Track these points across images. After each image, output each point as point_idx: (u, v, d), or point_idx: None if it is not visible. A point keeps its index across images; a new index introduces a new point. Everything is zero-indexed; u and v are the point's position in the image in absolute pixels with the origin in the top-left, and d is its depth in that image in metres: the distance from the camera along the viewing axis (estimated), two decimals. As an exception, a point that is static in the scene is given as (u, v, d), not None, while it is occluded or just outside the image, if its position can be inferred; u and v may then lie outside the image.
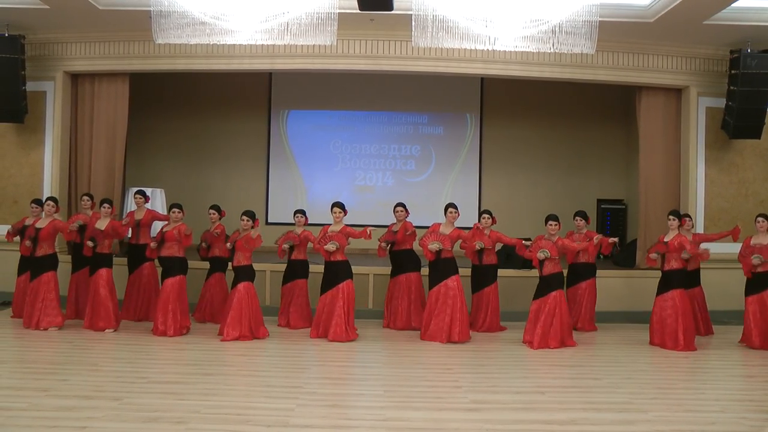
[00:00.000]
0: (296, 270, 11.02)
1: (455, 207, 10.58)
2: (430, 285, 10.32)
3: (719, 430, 6.23)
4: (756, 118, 12.28)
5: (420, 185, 15.95)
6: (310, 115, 16.09)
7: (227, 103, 15.83)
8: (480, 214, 11.34)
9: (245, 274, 10.10)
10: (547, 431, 6.18)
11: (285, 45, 10.15)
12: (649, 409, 6.93)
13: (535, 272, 10.69)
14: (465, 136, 16.22)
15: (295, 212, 11.14)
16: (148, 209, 11.56)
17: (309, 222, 11.14)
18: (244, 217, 10.35)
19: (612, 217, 15.76)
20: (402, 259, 11.13)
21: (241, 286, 10.01)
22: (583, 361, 9.29)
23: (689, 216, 11.18)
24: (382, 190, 15.75)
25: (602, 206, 15.82)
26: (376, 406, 6.81)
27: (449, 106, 16.13)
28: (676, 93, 13.25)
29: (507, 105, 15.97)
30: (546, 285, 10.04)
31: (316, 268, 10.98)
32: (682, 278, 10.24)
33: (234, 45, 10.60)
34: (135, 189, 12.09)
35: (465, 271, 10.98)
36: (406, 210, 11.15)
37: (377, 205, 15.30)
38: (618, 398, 7.34)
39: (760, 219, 10.30)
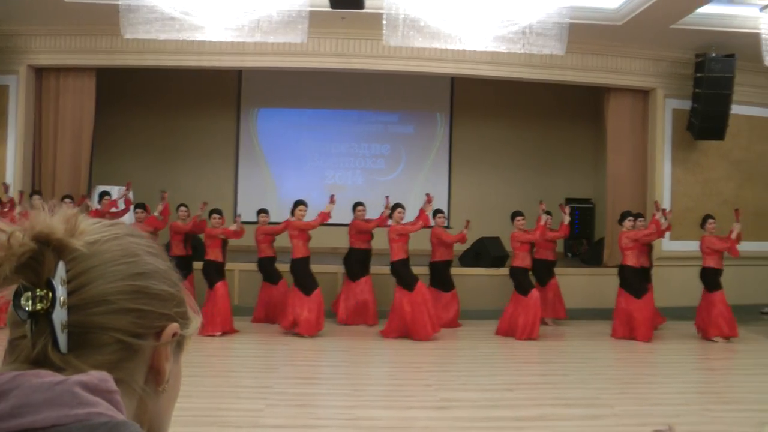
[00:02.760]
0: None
1: (402, 206, 10.88)
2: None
3: (683, 422, 6.31)
4: (719, 120, 12.44)
5: (390, 184, 15.88)
6: (280, 114, 16.04)
7: (197, 101, 15.70)
8: (435, 214, 11.36)
9: (221, 271, 10.35)
10: (516, 428, 6.24)
11: (255, 42, 10.11)
12: (615, 403, 7.03)
13: (503, 271, 10.88)
14: (435, 135, 16.29)
15: (259, 211, 11.37)
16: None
17: (278, 222, 11.16)
18: (215, 215, 10.39)
19: (580, 215, 15.88)
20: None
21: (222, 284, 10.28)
22: (552, 358, 9.40)
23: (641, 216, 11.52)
24: (352, 189, 15.68)
25: (570, 205, 15.79)
26: (345, 405, 6.83)
27: (419, 105, 16.16)
28: (644, 94, 13.37)
29: (477, 105, 16.00)
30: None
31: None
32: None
33: (204, 41, 10.52)
34: (101, 189, 11.95)
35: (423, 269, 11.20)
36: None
37: (347, 204, 15.20)
38: (586, 393, 7.43)
39: (710, 220, 10.86)
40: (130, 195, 11.88)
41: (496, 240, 12.73)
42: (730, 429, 6.27)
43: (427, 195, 11.05)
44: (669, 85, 13.06)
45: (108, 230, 1.01)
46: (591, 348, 10.00)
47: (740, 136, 13.39)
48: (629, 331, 10.49)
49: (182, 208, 11.27)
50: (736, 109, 12.62)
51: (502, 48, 9.50)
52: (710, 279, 10.74)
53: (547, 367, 8.91)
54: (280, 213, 12.99)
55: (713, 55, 12.18)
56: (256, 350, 9.48)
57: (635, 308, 10.54)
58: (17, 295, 0.92)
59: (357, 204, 11.53)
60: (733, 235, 10.79)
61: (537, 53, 9.59)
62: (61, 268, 0.93)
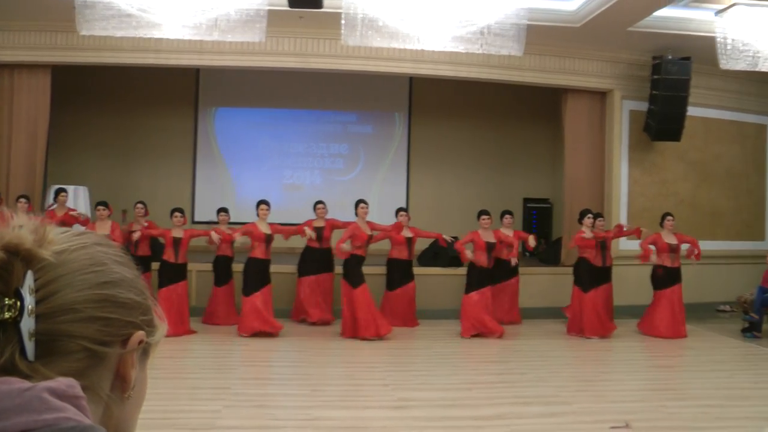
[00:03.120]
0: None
1: (365, 202, 10.97)
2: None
3: (640, 419, 6.39)
4: (676, 121, 12.59)
5: (348, 184, 15.94)
6: (238, 113, 15.94)
7: (154, 99, 15.51)
8: (397, 212, 11.45)
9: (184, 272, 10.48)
10: (474, 427, 6.26)
11: (213, 41, 10.05)
12: (573, 401, 7.09)
13: (461, 270, 10.93)
14: (393, 135, 16.31)
15: (219, 210, 11.37)
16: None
17: (237, 222, 11.10)
18: (177, 213, 10.47)
19: (538, 215, 16.02)
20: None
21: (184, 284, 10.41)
22: (510, 357, 9.46)
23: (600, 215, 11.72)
24: (310, 189, 15.65)
25: (528, 205, 16.10)
26: (303, 406, 6.80)
27: (378, 105, 16.16)
28: (601, 96, 13.49)
29: (435, 105, 16.03)
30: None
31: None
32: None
33: (161, 39, 10.41)
34: (57, 187, 11.79)
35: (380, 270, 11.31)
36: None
37: (306, 204, 15.13)
38: (543, 391, 7.49)
39: (669, 218, 11.18)
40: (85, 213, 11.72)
41: (454, 240, 12.73)
42: (687, 425, 6.35)
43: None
44: (626, 87, 13.21)
45: (76, 240, 1.03)
46: (549, 347, 10.08)
47: (696, 138, 13.57)
48: (579, 327, 10.66)
49: (138, 205, 11.21)
50: (692, 111, 12.80)
51: (461, 48, 9.54)
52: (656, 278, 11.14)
53: (504, 366, 8.97)
54: (238, 213, 12.90)
55: (670, 57, 12.32)
56: (213, 351, 9.42)
57: (583, 303, 10.77)
58: None
59: (318, 203, 11.56)
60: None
61: (495, 54, 9.66)
62: (29, 277, 0.94)
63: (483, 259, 10.68)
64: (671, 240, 11.05)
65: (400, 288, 11.21)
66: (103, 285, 1.01)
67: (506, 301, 11.66)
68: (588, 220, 11.09)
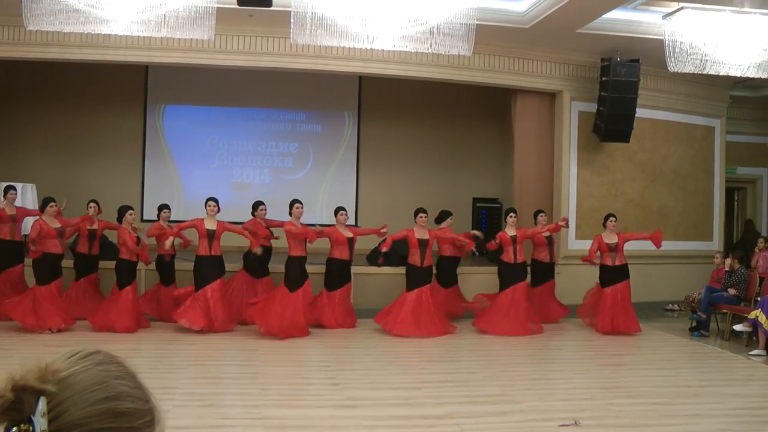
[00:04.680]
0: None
1: (300, 202, 10.98)
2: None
3: (589, 416, 6.51)
4: (625, 122, 12.80)
5: (298, 183, 15.95)
6: (187, 111, 15.86)
7: (102, 96, 15.32)
8: (336, 212, 11.45)
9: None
10: (424, 426, 6.32)
11: (162, 38, 9.99)
12: (522, 399, 7.18)
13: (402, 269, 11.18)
14: (343, 134, 16.36)
15: (160, 207, 11.40)
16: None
17: (185, 220, 11.06)
18: (131, 211, 10.57)
19: (487, 215, 16.13)
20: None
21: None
22: (459, 356, 9.56)
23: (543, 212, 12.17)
24: (259, 188, 15.62)
25: (478, 205, 16.24)
26: (253, 405, 6.80)
27: (327, 104, 16.19)
28: (550, 97, 13.68)
29: (385, 104, 16.10)
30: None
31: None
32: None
33: (109, 35, 10.33)
34: (5, 184, 11.62)
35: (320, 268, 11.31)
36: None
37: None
38: (492, 390, 7.58)
39: (611, 219, 11.46)
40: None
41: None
42: (635, 422, 6.46)
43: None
44: (575, 88, 13.43)
45: (80, 363, 1.24)
46: (498, 346, 10.18)
47: (645, 139, 13.86)
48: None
49: (92, 204, 11.12)
50: (641, 113, 13.07)
51: (410, 47, 9.62)
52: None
53: (454, 365, 9.05)
54: (186, 211, 12.88)
55: (618, 59, 12.52)
56: (161, 350, 9.38)
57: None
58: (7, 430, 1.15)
59: (258, 203, 11.66)
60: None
61: (445, 53, 9.74)
62: (41, 402, 1.16)
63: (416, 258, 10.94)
64: (611, 240, 11.29)
65: (339, 289, 11.16)
66: (104, 400, 1.20)
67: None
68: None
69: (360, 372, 8.48)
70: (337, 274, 11.09)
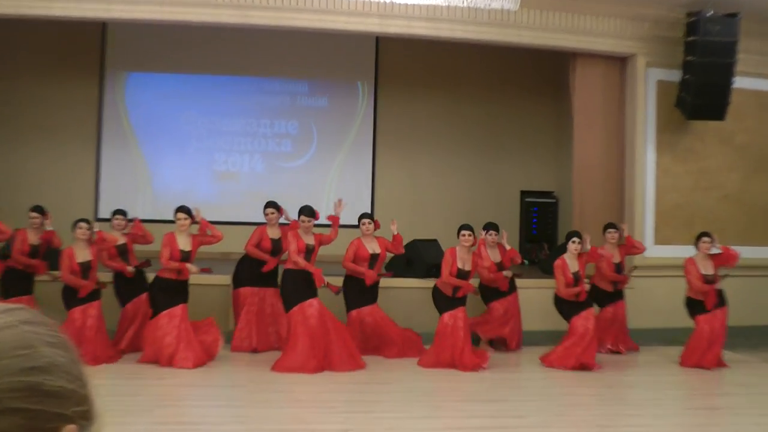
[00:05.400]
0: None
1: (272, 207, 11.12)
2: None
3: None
4: (718, 95, 12.52)
5: (298, 172, 16.01)
6: (156, 80, 15.84)
7: (47, 61, 15.25)
8: (359, 219, 11.21)
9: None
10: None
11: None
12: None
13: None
14: (356, 110, 16.35)
15: (114, 213, 11.05)
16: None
17: (154, 219, 10.88)
18: (83, 224, 10.26)
19: (539, 213, 16.12)
20: None
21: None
22: (505, 395, 9.34)
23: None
24: (249, 178, 15.66)
25: (527, 200, 16.22)
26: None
27: (336, 72, 16.20)
28: (620, 62, 13.49)
29: (409, 72, 16.05)
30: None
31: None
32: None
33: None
34: None
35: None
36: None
37: (243, 198, 15.24)
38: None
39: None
40: None
41: (432, 244, 12.68)
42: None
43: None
44: (653, 51, 13.19)
45: (1, 318, 1.13)
46: (554, 381, 10.00)
47: (746, 116, 13.57)
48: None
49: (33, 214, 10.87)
50: (740, 82, 12.76)
51: (440, 1, 9.42)
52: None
53: (498, 406, 8.85)
54: (155, 209, 12.76)
55: (710, 13, 12.24)
56: (120, 387, 9.17)
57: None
58: None
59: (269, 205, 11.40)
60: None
61: (484, 8, 9.55)
62: None
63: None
64: (708, 269, 10.87)
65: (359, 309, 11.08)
66: (29, 371, 1.09)
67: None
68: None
69: (376, 415, 8.30)
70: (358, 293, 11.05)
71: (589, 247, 10.94)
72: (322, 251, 10.70)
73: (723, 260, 10.88)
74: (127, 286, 10.83)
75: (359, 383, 9.67)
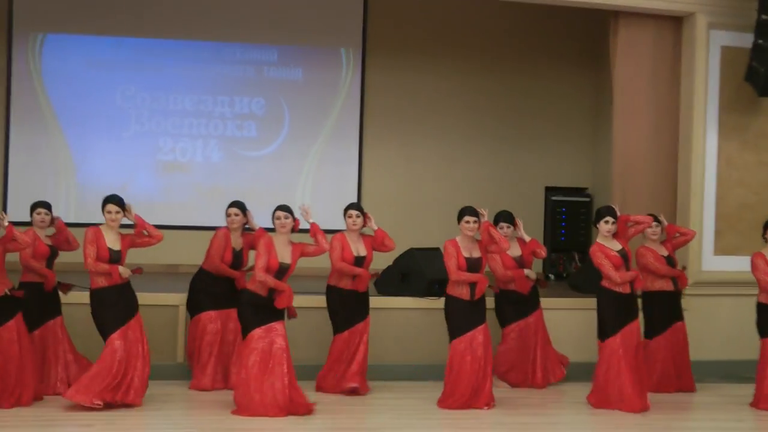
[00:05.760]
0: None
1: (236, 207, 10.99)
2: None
3: None
4: (802, 66, 12.45)
5: (265, 163, 15.97)
6: (81, 43, 15.62)
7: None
8: (345, 210, 11.09)
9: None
10: None
11: None
12: None
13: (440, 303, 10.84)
14: (338, 84, 16.28)
15: (34, 205, 10.68)
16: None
17: (78, 223, 10.57)
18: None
19: (569, 214, 16.09)
20: None
21: None
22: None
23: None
24: (203, 170, 15.67)
25: (553, 198, 16.19)
26: None
27: (314, 36, 16.11)
28: (674, 23, 13.27)
29: (405, 36, 16.00)
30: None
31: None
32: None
33: None
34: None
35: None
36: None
37: (195, 195, 15.33)
38: None
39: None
40: None
41: (434, 253, 12.33)
42: None
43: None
44: (716, 10, 12.97)
45: None
46: (591, 426, 9.93)
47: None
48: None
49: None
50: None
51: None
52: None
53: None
54: (80, 206, 12.45)
55: (794, -41, 12.16)
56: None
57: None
58: None
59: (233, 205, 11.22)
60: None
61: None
62: None
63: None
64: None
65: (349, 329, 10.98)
66: None
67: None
68: (604, 225, 10.89)
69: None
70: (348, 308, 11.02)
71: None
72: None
73: None
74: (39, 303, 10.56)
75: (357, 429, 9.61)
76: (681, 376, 11.53)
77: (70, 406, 9.57)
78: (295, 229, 9.98)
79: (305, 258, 10.15)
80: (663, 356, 11.49)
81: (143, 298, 10.65)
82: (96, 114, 15.53)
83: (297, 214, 10.01)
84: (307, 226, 10.24)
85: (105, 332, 9.94)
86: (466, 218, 10.41)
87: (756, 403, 10.61)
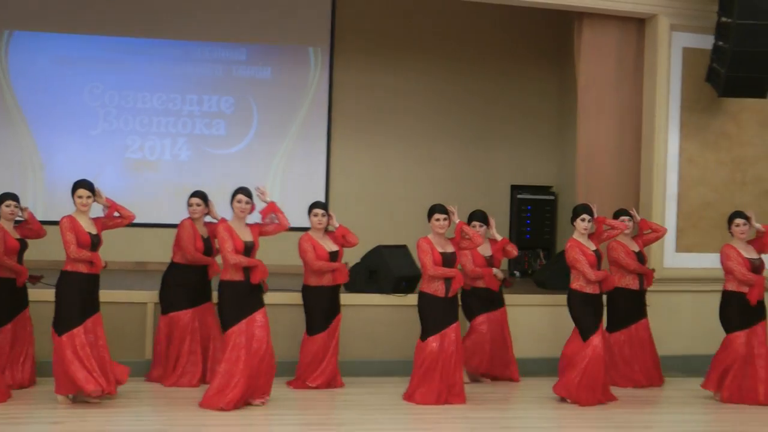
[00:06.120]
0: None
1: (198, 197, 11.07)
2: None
3: None
4: (760, 66, 12.38)
5: (233, 161, 16.02)
6: (49, 41, 15.67)
7: None
8: (310, 209, 11.13)
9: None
10: None
11: None
12: None
13: (411, 299, 11.00)
14: (307, 82, 16.36)
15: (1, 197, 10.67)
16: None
17: (45, 221, 10.63)
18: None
19: (534, 211, 16.17)
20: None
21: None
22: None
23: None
24: (171, 168, 15.73)
25: (519, 196, 16.27)
26: None
27: (282, 34, 16.22)
28: (637, 24, 13.38)
29: (374, 36, 16.11)
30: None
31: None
32: None
33: None
34: None
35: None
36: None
37: (163, 191, 15.35)
38: None
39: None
40: None
41: (401, 250, 12.55)
42: None
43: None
44: (678, 11, 13.07)
45: None
46: (556, 421, 9.96)
47: (793, 94, 13.55)
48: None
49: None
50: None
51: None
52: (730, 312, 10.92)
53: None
54: (48, 204, 12.48)
55: (752, -35, 12.24)
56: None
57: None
58: None
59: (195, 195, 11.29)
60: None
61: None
62: None
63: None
64: (751, 254, 10.86)
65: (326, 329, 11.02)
66: None
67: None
68: (580, 223, 10.94)
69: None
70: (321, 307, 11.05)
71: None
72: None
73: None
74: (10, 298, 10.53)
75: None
76: (645, 372, 11.59)
77: (39, 404, 9.57)
78: (251, 212, 10.05)
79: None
80: (624, 351, 11.58)
81: (112, 295, 10.84)
82: (64, 112, 15.58)
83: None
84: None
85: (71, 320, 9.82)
86: (436, 216, 10.49)
87: (706, 385, 10.85)
